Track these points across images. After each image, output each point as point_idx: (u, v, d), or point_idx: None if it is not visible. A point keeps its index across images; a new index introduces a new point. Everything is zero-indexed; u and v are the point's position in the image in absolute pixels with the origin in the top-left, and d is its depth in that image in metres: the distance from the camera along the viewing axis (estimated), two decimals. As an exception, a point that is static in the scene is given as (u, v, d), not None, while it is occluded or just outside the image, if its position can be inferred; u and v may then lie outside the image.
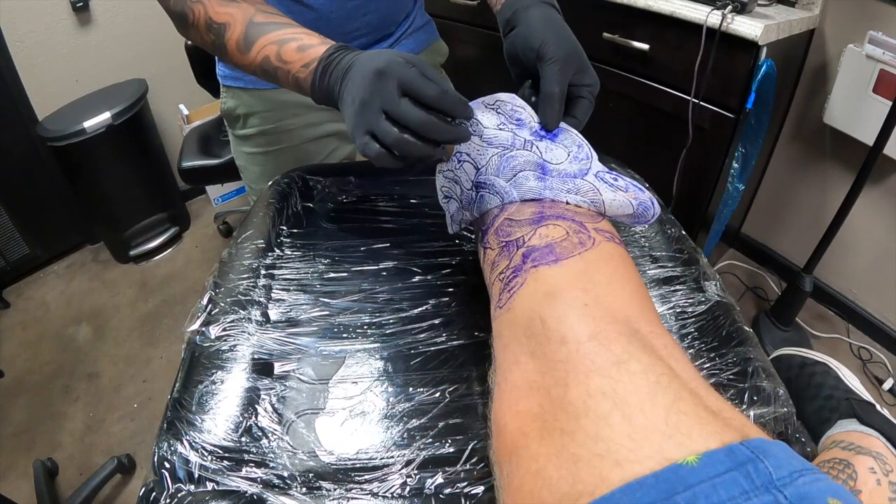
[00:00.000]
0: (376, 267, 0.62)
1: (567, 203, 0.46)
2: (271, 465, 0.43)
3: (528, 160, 0.47)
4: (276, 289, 0.58)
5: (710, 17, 1.22)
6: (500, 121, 0.50)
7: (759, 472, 0.24)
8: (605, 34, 1.46)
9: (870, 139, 1.28)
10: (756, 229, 1.93)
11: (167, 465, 0.42)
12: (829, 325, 1.74)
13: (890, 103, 1.19)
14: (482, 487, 0.42)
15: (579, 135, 0.51)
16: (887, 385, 1.53)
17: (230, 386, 0.48)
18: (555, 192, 0.46)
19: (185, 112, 2.13)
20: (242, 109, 0.86)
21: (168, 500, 0.40)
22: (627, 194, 0.47)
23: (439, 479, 0.42)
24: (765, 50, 1.23)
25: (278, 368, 0.51)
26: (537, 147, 0.48)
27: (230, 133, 0.93)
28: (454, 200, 0.52)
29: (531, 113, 0.51)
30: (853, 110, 1.39)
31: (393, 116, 0.44)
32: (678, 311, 0.57)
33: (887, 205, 1.50)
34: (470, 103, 0.48)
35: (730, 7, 1.21)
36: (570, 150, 0.49)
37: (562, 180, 0.47)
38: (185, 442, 0.43)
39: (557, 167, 0.48)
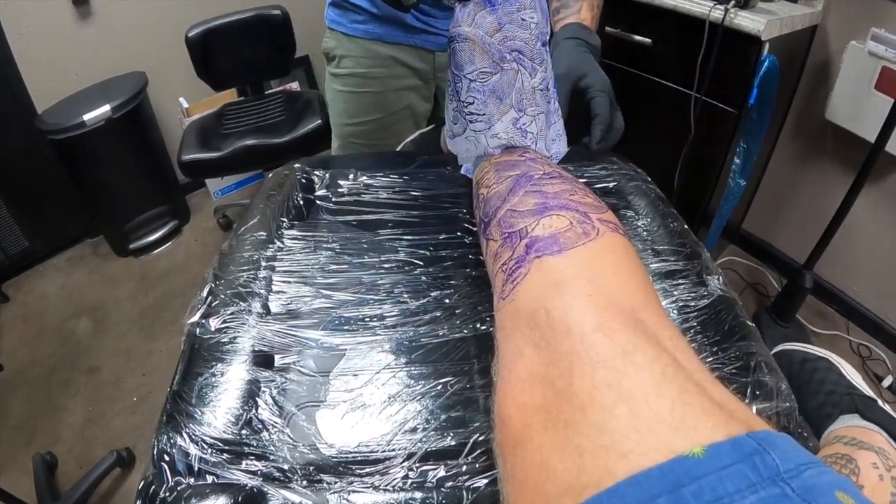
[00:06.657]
0: (378, 259, 0.62)
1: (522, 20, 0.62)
2: (272, 457, 0.43)
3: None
4: (277, 281, 0.58)
5: (713, 11, 1.22)
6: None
7: (765, 464, 0.24)
8: (608, 28, 1.46)
9: (871, 136, 1.27)
10: (757, 225, 1.93)
11: (166, 457, 0.42)
12: (829, 321, 1.74)
13: (892, 100, 1.19)
14: (484, 481, 0.42)
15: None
16: (887, 382, 1.53)
17: (230, 378, 0.47)
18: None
19: (185, 105, 2.12)
20: (339, 51, 0.97)
21: (167, 493, 0.40)
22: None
23: (441, 472, 0.42)
24: (767, 45, 1.22)
25: (279, 361, 0.50)
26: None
27: (326, 69, 1.04)
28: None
29: None
30: (855, 107, 1.39)
31: None
32: (680, 304, 0.57)
33: (888, 202, 1.50)
34: None
35: (733, 2, 1.21)
36: None
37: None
38: (185, 435, 0.43)
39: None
